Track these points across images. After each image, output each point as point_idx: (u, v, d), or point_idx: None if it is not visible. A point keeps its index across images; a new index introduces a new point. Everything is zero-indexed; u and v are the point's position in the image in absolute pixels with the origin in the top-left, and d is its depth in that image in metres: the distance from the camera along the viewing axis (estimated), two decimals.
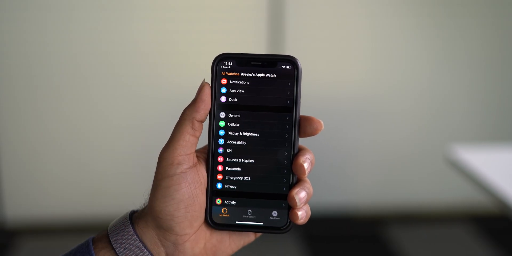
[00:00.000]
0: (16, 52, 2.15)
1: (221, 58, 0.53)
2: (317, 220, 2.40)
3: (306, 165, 0.52)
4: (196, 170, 0.52)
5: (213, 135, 0.53)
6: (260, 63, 0.53)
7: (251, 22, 2.20)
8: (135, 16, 2.16)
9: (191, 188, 0.50)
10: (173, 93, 2.21)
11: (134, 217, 0.53)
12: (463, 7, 2.28)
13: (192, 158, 0.52)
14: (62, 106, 2.21)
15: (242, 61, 0.53)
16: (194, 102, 0.52)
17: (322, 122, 0.53)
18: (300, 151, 0.53)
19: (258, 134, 0.53)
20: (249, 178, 0.53)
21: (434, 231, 2.37)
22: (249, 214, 0.53)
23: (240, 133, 0.53)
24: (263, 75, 0.53)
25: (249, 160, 0.53)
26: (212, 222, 0.52)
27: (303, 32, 2.23)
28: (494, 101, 2.40)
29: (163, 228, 0.50)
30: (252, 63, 0.53)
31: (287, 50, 2.22)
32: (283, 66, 0.53)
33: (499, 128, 2.42)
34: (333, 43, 2.26)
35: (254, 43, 2.22)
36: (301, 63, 0.54)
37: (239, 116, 0.53)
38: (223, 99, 0.53)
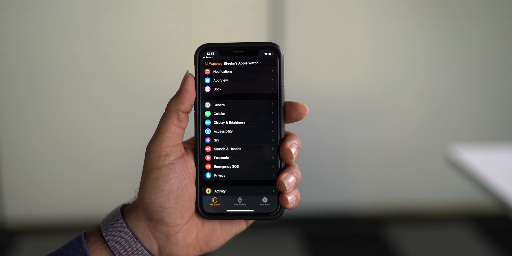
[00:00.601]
0: (16, 52, 2.15)
1: (203, 49, 0.54)
2: (317, 220, 2.40)
3: (293, 150, 0.52)
4: (184, 161, 0.52)
5: (199, 125, 0.54)
6: (242, 51, 0.53)
7: (251, 22, 2.20)
8: (135, 16, 2.16)
9: (180, 179, 0.51)
10: (173, 93, 2.20)
11: (125, 210, 0.52)
12: (463, 7, 2.28)
13: (180, 149, 0.52)
14: (62, 106, 2.21)
15: (224, 50, 0.53)
16: (179, 93, 0.53)
17: (306, 107, 0.53)
18: (286, 136, 0.53)
19: (244, 122, 0.53)
20: (237, 166, 0.53)
21: (434, 231, 2.37)
22: (240, 201, 0.53)
23: (226, 122, 0.53)
24: (246, 63, 0.53)
25: (236, 149, 0.53)
26: (203, 211, 0.53)
27: (303, 32, 2.23)
28: (494, 101, 2.40)
29: (154, 219, 0.50)
30: (234, 52, 0.53)
31: (287, 50, 2.22)
32: (265, 53, 0.53)
33: (499, 128, 2.42)
34: (333, 43, 2.26)
35: None
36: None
37: (224, 105, 0.53)
38: (207, 89, 0.54)
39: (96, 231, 0.52)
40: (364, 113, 2.35)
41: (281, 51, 0.53)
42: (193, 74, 0.54)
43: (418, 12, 2.26)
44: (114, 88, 2.21)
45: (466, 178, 1.47)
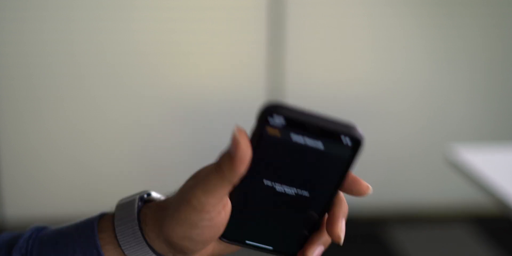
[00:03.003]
0: (16, 52, 2.15)
1: (272, 111, 0.42)
2: None
3: (342, 235, 0.51)
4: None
5: (243, 188, 0.47)
6: (317, 130, 0.43)
7: (251, 22, 2.20)
8: (135, 16, 2.16)
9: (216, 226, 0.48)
10: (173, 93, 2.20)
11: (142, 225, 0.50)
12: (463, 7, 2.28)
13: (222, 205, 0.47)
14: (62, 106, 2.21)
15: (296, 122, 0.43)
16: (235, 163, 0.43)
17: (370, 187, 0.47)
18: (335, 212, 0.52)
19: (285, 207, 0.49)
20: (269, 229, 0.50)
21: (434, 231, 2.37)
22: None
23: (270, 197, 0.48)
24: (315, 145, 0.44)
25: (274, 217, 0.49)
26: (223, 236, 0.51)
27: (303, 32, 2.23)
28: (494, 101, 2.40)
29: (176, 249, 0.49)
30: (307, 126, 0.43)
31: (287, 50, 2.22)
32: (341, 140, 0.44)
33: (499, 128, 2.42)
34: (332, 43, 2.26)
35: (254, 43, 2.22)
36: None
37: (272, 185, 0.47)
38: (261, 160, 0.45)
39: (109, 232, 0.50)
40: (364, 113, 2.35)
41: (362, 141, 0.44)
42: (248, 135, 0.44)
43: (419, 12, 2.26)
44: (114, 88, 2.21)
45: (466, 178, 1.47)
